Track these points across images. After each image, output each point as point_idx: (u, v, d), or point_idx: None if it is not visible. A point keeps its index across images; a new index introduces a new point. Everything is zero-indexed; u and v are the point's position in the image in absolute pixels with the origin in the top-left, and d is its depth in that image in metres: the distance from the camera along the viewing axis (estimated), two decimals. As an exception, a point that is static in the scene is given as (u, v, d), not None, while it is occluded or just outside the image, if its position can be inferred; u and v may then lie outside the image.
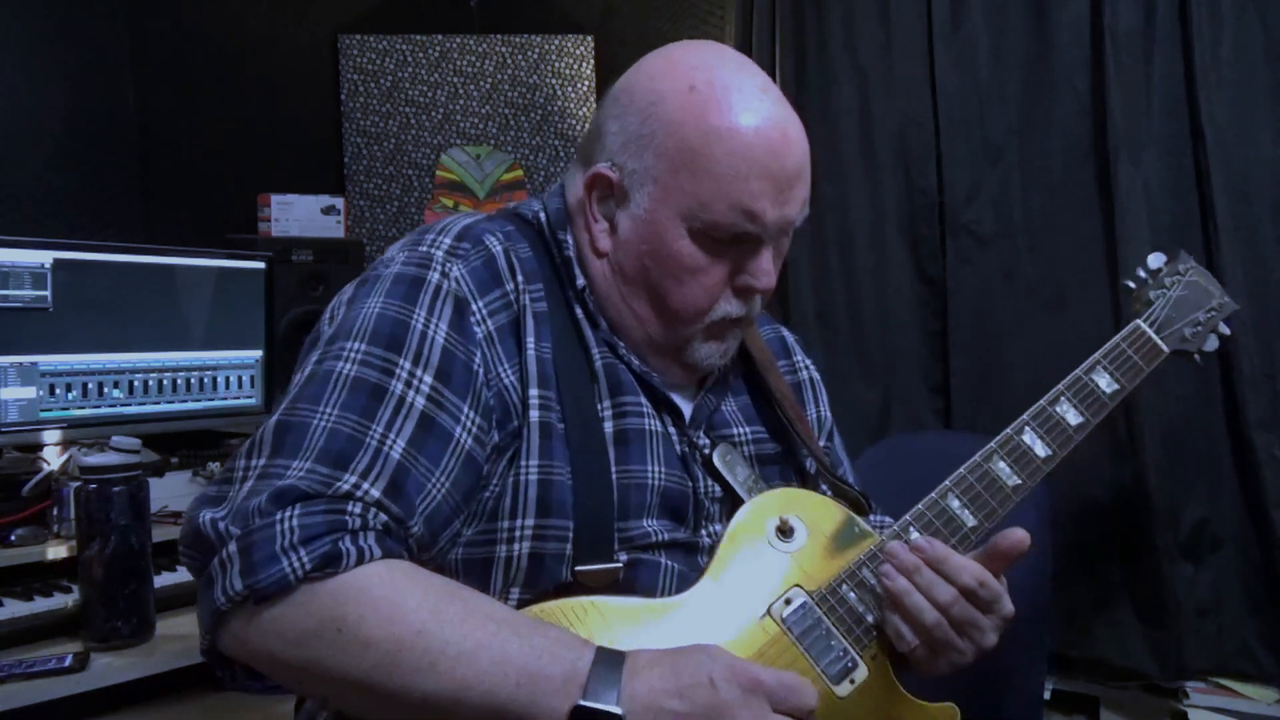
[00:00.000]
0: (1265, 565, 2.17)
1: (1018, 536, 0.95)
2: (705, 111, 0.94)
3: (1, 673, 1.47)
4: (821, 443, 1.19)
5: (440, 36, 3.00)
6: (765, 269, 0.99)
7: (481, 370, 0.93)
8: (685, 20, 2.93)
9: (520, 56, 3.02)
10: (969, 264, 2.44)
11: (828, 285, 2.59)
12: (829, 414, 1.24)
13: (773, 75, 2.62)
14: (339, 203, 2.70)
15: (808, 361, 1.25)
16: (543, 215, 1.06)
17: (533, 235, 1.04)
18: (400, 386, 0.88)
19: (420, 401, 0.88)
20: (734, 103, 0.95)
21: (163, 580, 1.70)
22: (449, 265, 0.96)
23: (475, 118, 3.03)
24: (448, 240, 0.99)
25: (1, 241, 1.84)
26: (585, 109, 3.03)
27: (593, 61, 3.02)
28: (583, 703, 0.77)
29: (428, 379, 0.89)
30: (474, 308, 0.95)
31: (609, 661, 0.80)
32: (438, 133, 3.02)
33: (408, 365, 0.89)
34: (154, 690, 1.63)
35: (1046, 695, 2.19)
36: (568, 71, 3.01)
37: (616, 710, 0.77)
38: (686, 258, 0.97)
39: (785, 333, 1.26)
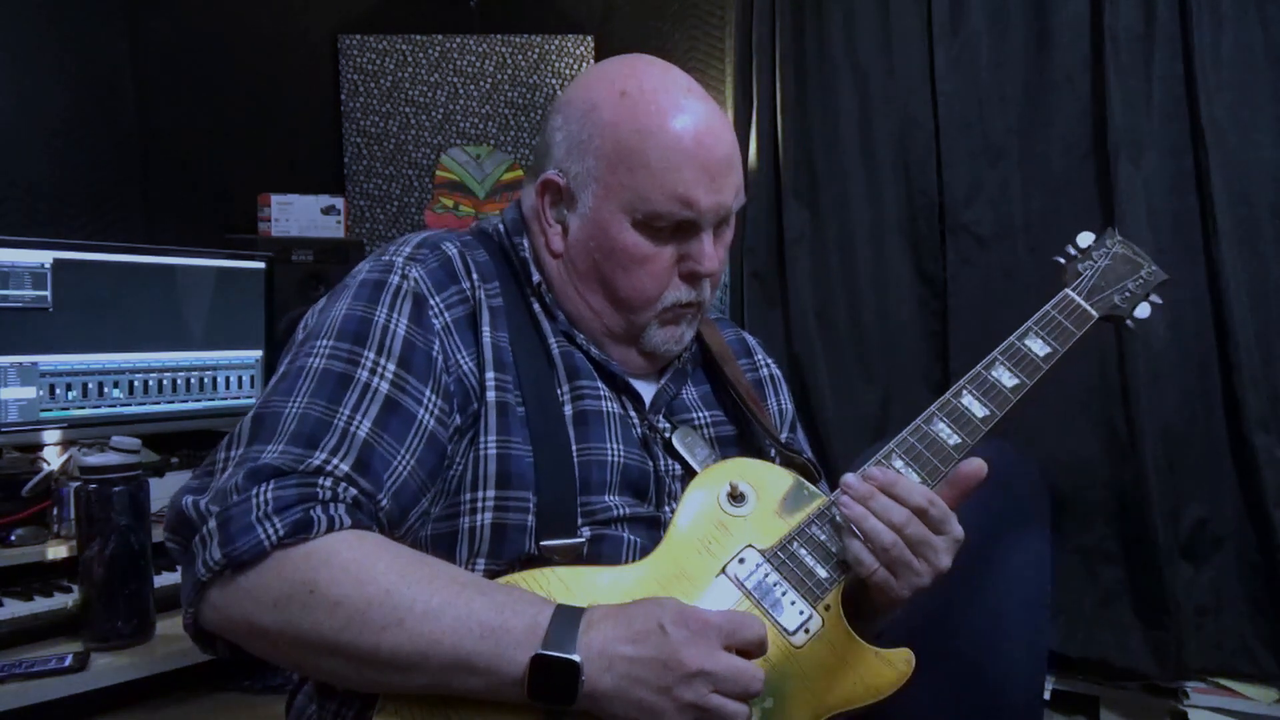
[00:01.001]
0: (1265, 565, 2.17)
1: (975, 464, 1.01)
2: (636, 112, 1.03)
3: (1, 673, 1.47)
4: (784, 435, 1.24)
5: (440, 36, 3.00)
6: (708, 253, 1.06)
7: (440, 358, 0.99)
8: (685, 20, 2.93)
9: (520, 56, 3.02)
10: (969, 264, 2.44)
11: (828, 285, 2.59)
12: (790, 405, 1.30)
13: (773, 76, 2.64)
14: (339, 203, 2.70)
15: (768, 360, 1.31)
16: (500, 226, 1.14)
17: (491, 245, 1.12)
18: (365, 374, 0.95)
19: (384, 386, 0.95)
20: (662, 102, 1.03)
21: (163, 580, 1.70)
22: (408, 268, 1.03)
23: (475, 118, 3.03)
24: (407, 249, 1.07)
25: (1, 241, 1.85)
26: (585, 109, 3.03)
27: (592, 61, 3.01)
28: (542, 651, 0.82)
29: (391, 366, 0.96)
30: (432, 302, 1.02)
31: (567, 615, 0.85)
32: (438, 133, 3.02)
33: (372, 355, 0.96)
34: (154, 690, 1.63)
35: (1046, 695, 2.19)
36: (568, 71, 3.01)
37: (574, 658, 0.82)
38: (632, 248, 1.04)
39: (746, 335, 1.33)
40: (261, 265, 2.28)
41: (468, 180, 3.03)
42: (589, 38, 3.00)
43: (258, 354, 2.25)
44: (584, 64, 3.01)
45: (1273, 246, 2.17)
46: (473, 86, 3.02)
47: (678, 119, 1.02)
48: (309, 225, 2.64)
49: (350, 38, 2.99)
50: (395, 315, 0.99)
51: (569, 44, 3.01)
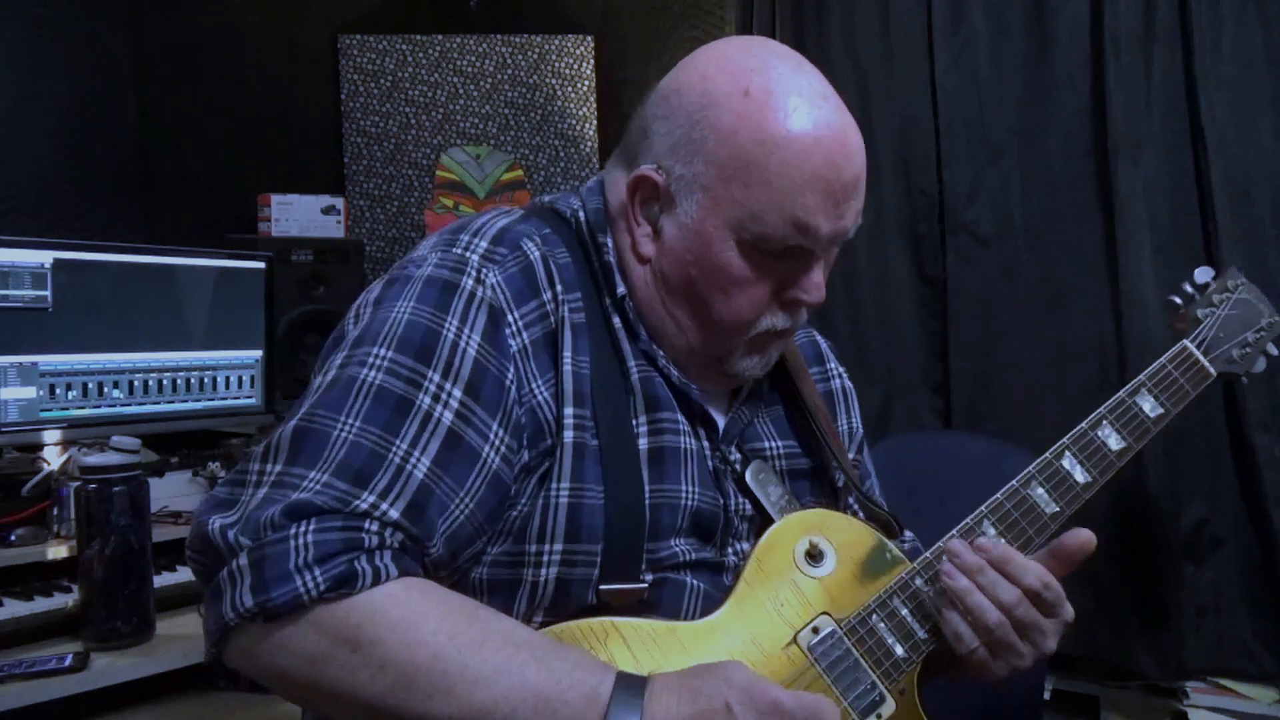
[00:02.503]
0: (1265, 565, 2.17)
1: (1084, 537, 0.93)
2: (761, 118, 0.90)
3: (1, 673, 1.47)
4: (851, 455, 1.17)
5: (440, 36, 3.00)
6: (816, 283, 0.96)
7: (514, 387, 0.89)
8: (685, 20, 2.92)
9: (520, 56, 3.02)
10: (969, 264, 2.44)
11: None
12: (860, 425, 1.21)
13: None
14: (339, 203, 2.70)
15: (840, 370, 1.22)
16: (581, 214, 1.01)
17: (570, 237, 1.00)
18: (428, 400, 0.85)
19: (448, 417, 0.85)
20: (791, 109, 0.90)
21: (163, 580, 1.70)
22: (485, 271, 0.92)
23: (475, 118, 3.03)
24: (483, 244, 0.95)
25: (1, 241, 1.84)
26: (585, 109, 3.03)
27: (593, 61, 3.01)
28: None
29: (457, 393, 0.86)
30: (510, 319, 0.91)
31: (629, 686, 0.78)
32: (438, 133, 3.02)
33: (436, 378, 0.86)
34: (154, 690, 1.63)
35: (1046, 695, 2.19)
36: (568, 71, 3.01)
37: None
38: (734, 269, 0.93)
39: (819, 338, 1.23)
40: (261, 265, 2.28)
41: (468, 180, 3.03)
42: (589, 38, 3.00)
43: (258, 354, 2.25)
44: (584, 64, 3.01)
45: (1273, 246, 2.17)
46: (473, 86, 3.02)
47: (807, 131, 0.89)
48: (309, 225, 2.64)
49: (350, 38, 2.99)
50: (467, 330, 0.88)
51: (569, 44, 3.01)
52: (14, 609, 1.62)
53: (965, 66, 2.43)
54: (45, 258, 1.88)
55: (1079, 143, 2.34)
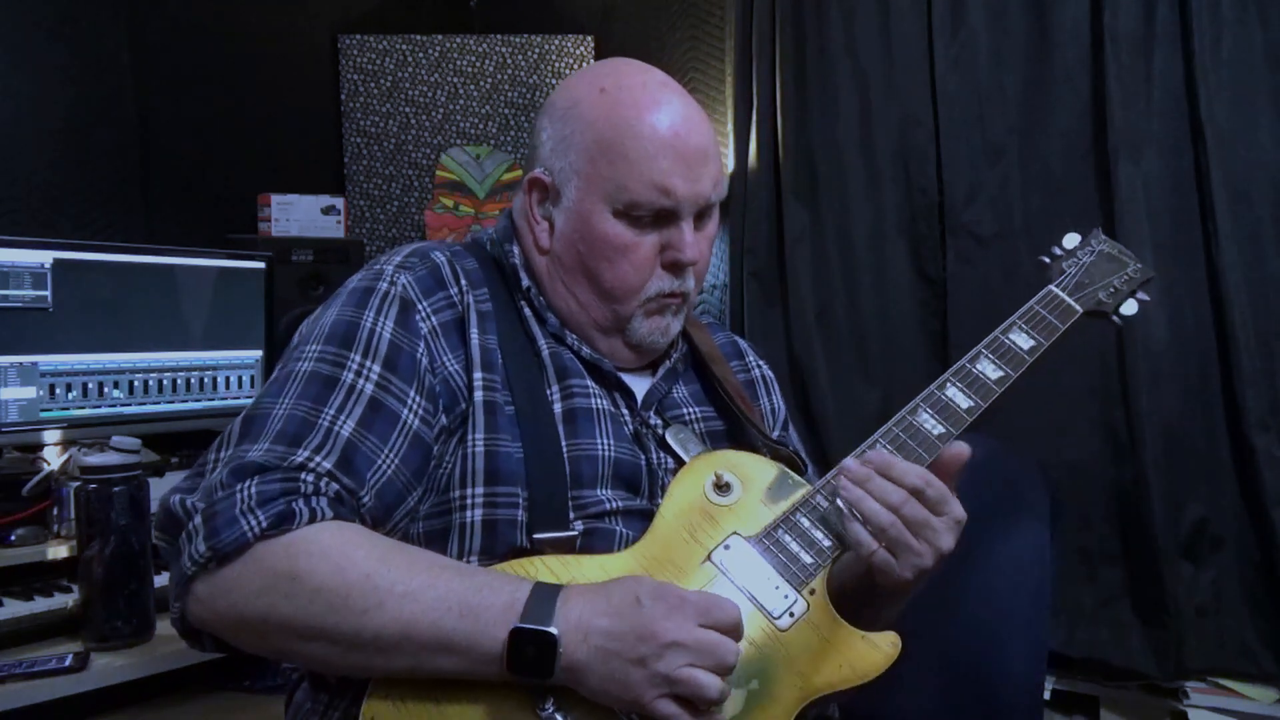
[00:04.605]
0: (1265, 565, 2.17)
1: (957, 448, 1.02)
2: (614, 106, 1.06)
3: (1, 673, 1.47)
4: (776, 433, 1.26)
5: (440, 36, 3.00)
6: (688, 241, 1.08)
7: (426, 359, 1.01)
8: (685, 20, 2.93)
9: (520, 56, 3.02)
10: (969, 264, 2.44)
11: (828, 285, 2.59)
12: (782, 405, 1.32)
13: (773, 76, 2.63)
14: (339, 203, 2.70)
15: (760, 362, 1.33)
16: (492, 234, 1.17)
17: (482, 254, 1.15)
18: (351, 376, 0.98)
19: (369, 388, 0.97)
20: (639, 96, 1.07)
21: (162, 580, 1.70)
22: (397, 275, 1.06)
23: (475, 118, 3.03)
24: (398, 258, 1.09)
25: (1, 241, 1.85)
26: (585, 109, 3.03)
27: (592, 61, 3.02)
28: (520, 624, 0.84)
29: (376, 368, 0.99)
30: (419, 307, 1.04)
31: (545, 591, 0.87)
32: (438, 133, 3.02)
33: (357, 358, 0.99)
34: (154, 690, 1.63)
35: (1046, 695, 2.20)
36: (567, 71, 3.01)
37: (552, 630, 0.83)
38: (614, 237, 1.07)
39: (739, 339, 1.35)
40: (261, 265, 2.28)
41: (468, 180, 3.03)
42: (589, 38, 3.01)
43: (258, 354, 2.25)
44: (584, 64, 3.01)
45: (1273, 246, 2.17)
46: (473, 86, 3.02)
47: (654, 112, 1.06)
48: (309, 225, 2.64)
49: (350, 38, 2.99)
50: (381, 319, 1.02)
51: (569, 44, 3.01)
52: (14, 609, 1.62)
53: (965, 66, 2.43)
54: (45, 258, 1.88)
55: (1079, 143, 2.34)
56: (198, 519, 0.87)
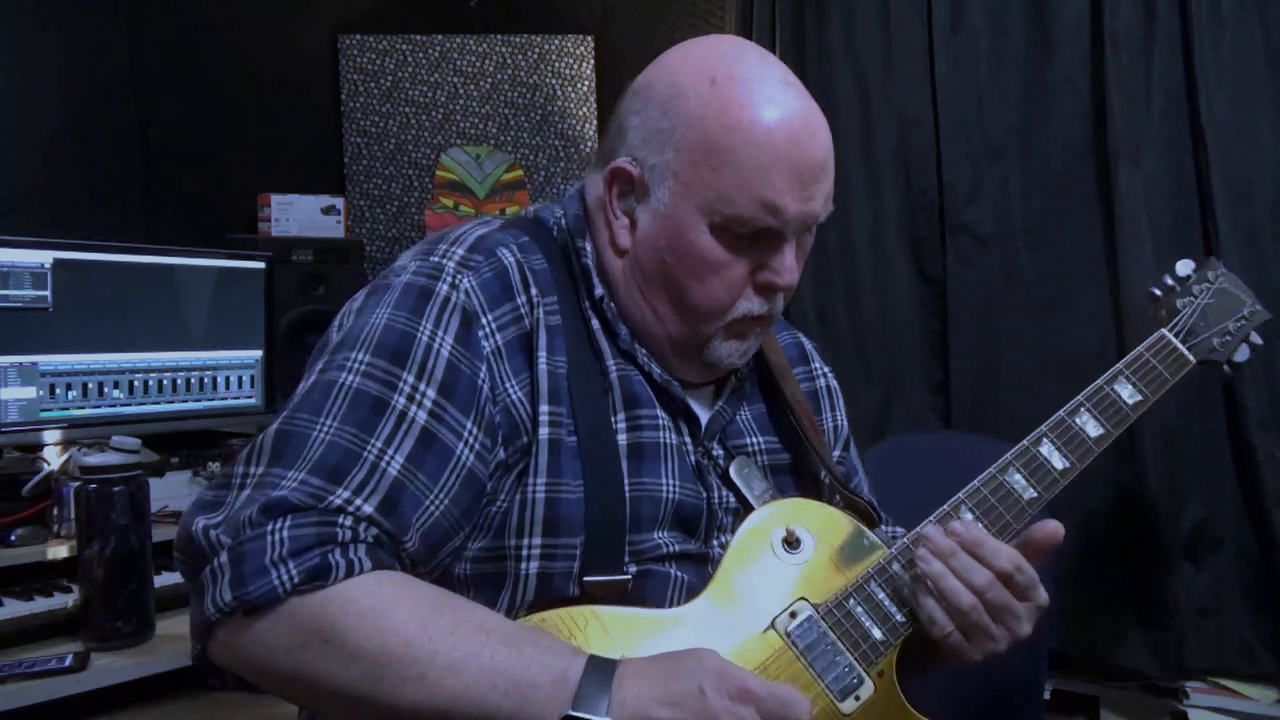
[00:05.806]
0: (1265, 565, 2.17)
1: (1052, 528, 0.95)
2: (727, 104, 0.93)
3: (1, 673, 1.47)
4: (836, 453, 1.18)
5: (440, 36, 3.00)
6: (788, 265, 0.97)
7: (487, 385, 0.91)
8: (685, 21, 2.93)
9: (520, 56, 3.02)
10: (969, 264, 2.44)
11: (828, 285, 2.59)
12: (845, 423, 1.22)
13: (773, 75, 2.64)
14: (339, 203, 2.70)
15: (825, 369, 1.23)
16: (563, 220, 1.04)
17: (550, 244, 1.02)
18: (402, 401, 0.87)
19: (422, 416, 0.87)
20: (755, 95, 0.93)
21: (163, 580, 1.70)
22: (459, 277, 0.94)
23: (475, 118, 3.03)
24: (460, 251, 0.97)
25: (1, 241, 1.85)
26: (585, 109, 3.03)
27: (593, 61, 3.02)
28: (571, 712, 0.76)
29: (431, 393, 0.88)
30: (483, 321, 0.93)
31: (599, 670, 0.79)
32: (438, 133, 3.02)
33: (411, 379, 0.88)
34: (154, 690, 1.63)
35: (1046, 695, 2.19)
36: (568, 71, 3.01)
37: (605, 719, 0.76)
38: (707, 253, 0.95)
39: (803, 339, 1.25)
40: (261, 265, 2.28)
41: (468, 180, 3.03)
42: (589, 38, 3.01)
43: (258, 354, 2.25)
44: (584, 64, 3.01)
45: (1273, 246, 2.17)
46: (473, 86, 3.02)
47: (772, 115, 0.92)
48: (309, 225, 2.64)
49: (350, 38, 2.99)
50: (440, 333, 0.91)
51: (569, 44, 3.01)
52: (14, 609, 1.62)
53: (965, 66, 2.43)
54: (45, 258, 1.88)
55: (1079, 143, 2.33)
56: (224, 556, 0.78)
